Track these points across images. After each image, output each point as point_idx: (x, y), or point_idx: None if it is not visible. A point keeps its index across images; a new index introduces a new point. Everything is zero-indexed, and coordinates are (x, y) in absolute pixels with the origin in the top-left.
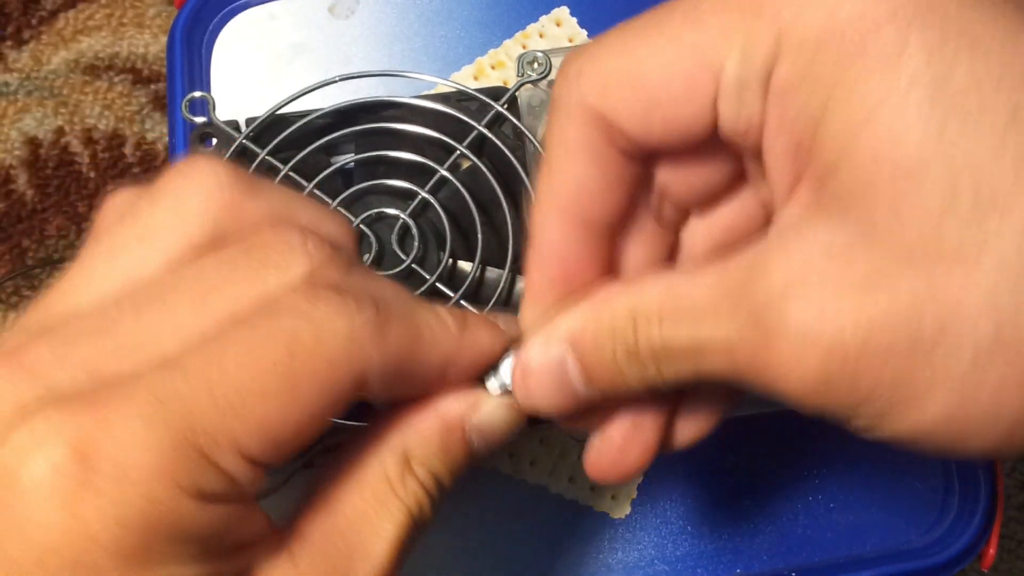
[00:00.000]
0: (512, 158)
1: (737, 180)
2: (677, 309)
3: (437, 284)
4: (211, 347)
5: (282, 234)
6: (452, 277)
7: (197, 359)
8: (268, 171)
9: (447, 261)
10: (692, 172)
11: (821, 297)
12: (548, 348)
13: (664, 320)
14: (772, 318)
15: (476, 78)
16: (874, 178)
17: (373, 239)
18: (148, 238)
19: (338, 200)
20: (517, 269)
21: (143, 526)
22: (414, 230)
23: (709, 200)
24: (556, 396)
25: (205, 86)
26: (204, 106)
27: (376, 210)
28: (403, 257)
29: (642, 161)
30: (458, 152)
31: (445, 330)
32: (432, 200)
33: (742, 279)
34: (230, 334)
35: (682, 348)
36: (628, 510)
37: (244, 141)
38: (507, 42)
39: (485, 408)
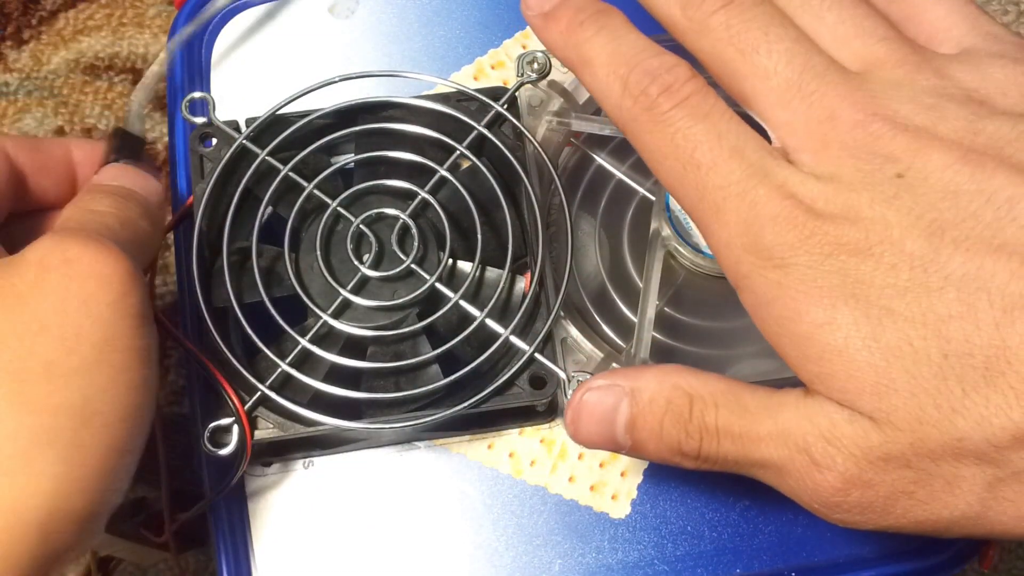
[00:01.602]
0: (512, 158)
1: None
2: (736, 406)
3: (437, 284)
4: None
5: None
6: (452, 277)
7: None
8: (268, 171)
9: (447, 261)
10: None
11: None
12: (607, 394)
13: (720, 410)
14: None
15: (476, 78)
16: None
17: (373, 239)
18: None
19: (338, 200)
20: (517, 269)
21: None
22: (414, 230)
23: None
24: (597, 434)
25: (205, 86)
26: (204, 106)
27: (376, 210)
28: (403, 257)
29: None
30: (458, 152)
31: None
32: (432, 200)
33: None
34: None
35: (735, 434)
36: (628, 510)
37: (244, 141)
38: (507, 42)
39: (104, 172)
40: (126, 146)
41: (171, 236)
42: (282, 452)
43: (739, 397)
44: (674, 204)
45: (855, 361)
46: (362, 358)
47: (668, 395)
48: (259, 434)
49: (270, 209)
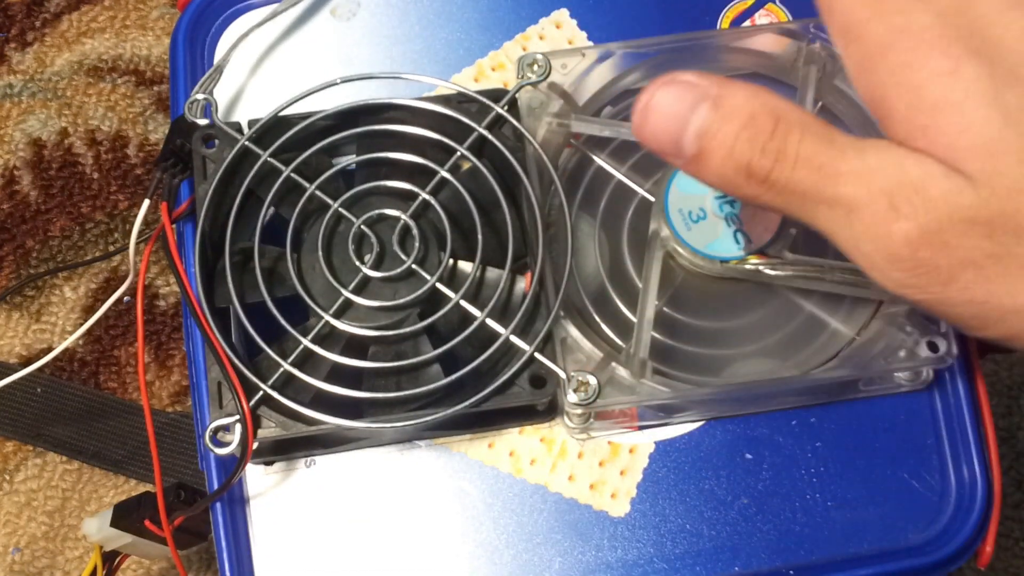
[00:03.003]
0: (512, 159)
1: None
2: (823, 137)
3: (437, 285)
4: None
5: None
6: (453, 278)
7: None
8: (270, 172)
9: (447, 262)
10: None
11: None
12: (688, 92)
13: (805, 136)
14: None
15: (476, 80)
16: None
17: (374, 240)
18: None
19: (340, 201)
20: (517, 269)
21: None
22: (415, 231)
23: None
24: (663, 132)
25: (207, 88)
26: (207, 108)
27: (377, 211)
28: (404, 258)
29: None
30: (459, 153)
31: None
32: (433, 201)
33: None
34: None
35: (814, 164)
36: (627, 509)
37: (246, 143)
38: (507, 44)
39: None
40: None
41: (171, 237)
42: (284, 451)
43: (828, 129)
44: (673, 205)
45: (971, 117)
46: (363, 358)
47: (754, 109)
48: (261, 433)
49: (272, 210)
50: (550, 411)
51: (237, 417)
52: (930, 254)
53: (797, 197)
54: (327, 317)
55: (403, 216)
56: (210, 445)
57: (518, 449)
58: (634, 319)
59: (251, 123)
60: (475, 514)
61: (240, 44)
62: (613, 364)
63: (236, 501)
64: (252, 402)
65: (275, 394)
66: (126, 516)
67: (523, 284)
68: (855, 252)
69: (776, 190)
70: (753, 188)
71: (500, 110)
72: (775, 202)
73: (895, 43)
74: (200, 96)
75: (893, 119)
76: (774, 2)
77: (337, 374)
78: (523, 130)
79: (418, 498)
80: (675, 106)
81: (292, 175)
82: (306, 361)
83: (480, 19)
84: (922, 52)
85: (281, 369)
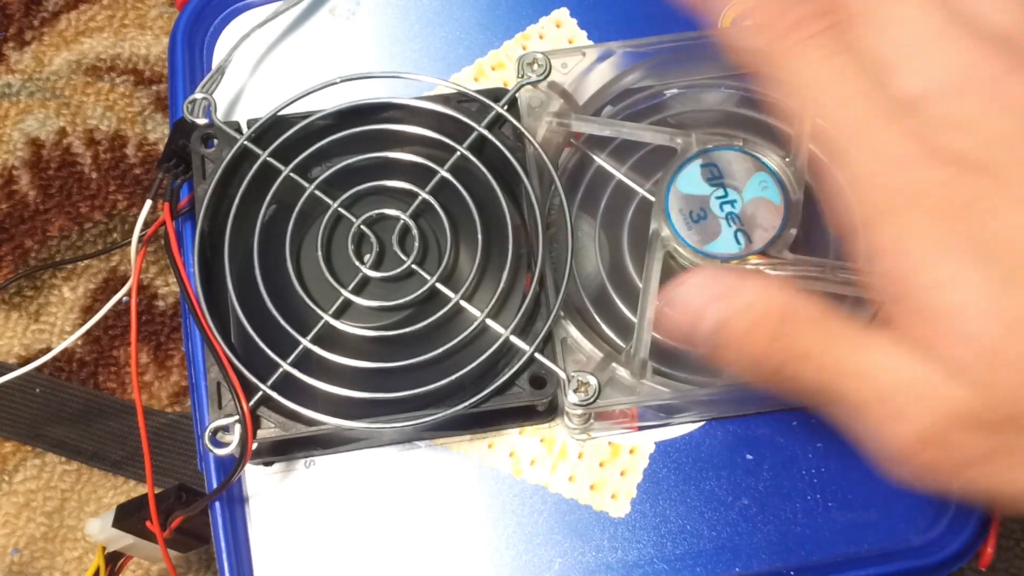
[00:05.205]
0: (512, 159)
1: None
2: (826, 334)
3: (437, 285)
4: None
5: None
6: (452, 278)
7: None
8: (269, 172)
9: (447, 261)
10: None
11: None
12: (702, 292)
13: (810, 335)
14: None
15: (476, 79)
16: None
17: (374, 240)
18: None
19: (339, 201)
20: (517, 269)
21: None
22: (414, 231)
23: None
24: (681, 325)
25: (207, 88)
26: (206, 108)
27: (377, 211)
28: (403, 258)
29: None
30: (458, 153)
31: None
32: (432, 201)
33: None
34: None
35: (819, 364)
36: (628, 509)
37: (245, 143)
38: (507, 43)
39: None
40: None
41: (172, 237)
42: (283, 451)
43: (832, 326)
44: (673, 205)
45: (970, 327)
46: (363, 358)
47: (764, 307)
48: (261, 433)
49: (271, 210)
50: (550, 411)
51: (236, 417)
52: (932, 455)
53: (807, 393)
54: (326, 317)
55: (403, 216)
56: (209, 446)
57: (518, 450)
58: (634, 319)
59: (250, 123)
60: (475, 515)
61: (239, 43)
62: (613, 364)
63: (235, 501)
64: (252, 402)
65: (274, 394)
66: (128, 517)
67: (523, 284)
68: (867, 444)
69: (788, 385)
70: (765, 382)
71: (500, 109)
72: (789, 394)
73: (895, 249)
74: (199, 95)
75: (900, 321)
76: None
77: (336, 374)
78: (523, 130)
79: (418, 499)
80: (692, 303)
81: (291, 175)
82: (305, 361)
83: (480, 19)
84: (922, 258)
85: (280, 369)
